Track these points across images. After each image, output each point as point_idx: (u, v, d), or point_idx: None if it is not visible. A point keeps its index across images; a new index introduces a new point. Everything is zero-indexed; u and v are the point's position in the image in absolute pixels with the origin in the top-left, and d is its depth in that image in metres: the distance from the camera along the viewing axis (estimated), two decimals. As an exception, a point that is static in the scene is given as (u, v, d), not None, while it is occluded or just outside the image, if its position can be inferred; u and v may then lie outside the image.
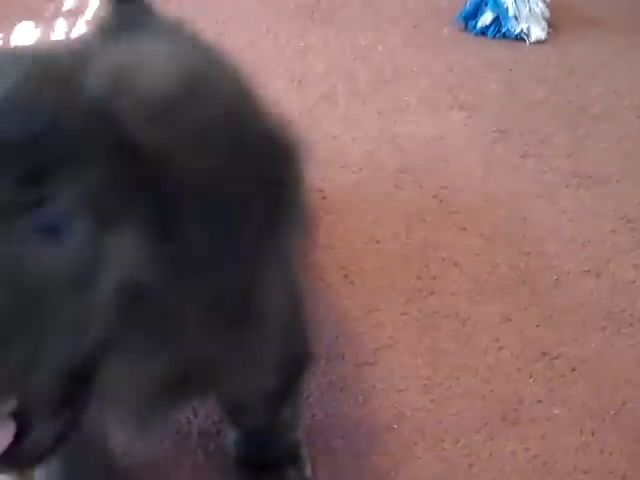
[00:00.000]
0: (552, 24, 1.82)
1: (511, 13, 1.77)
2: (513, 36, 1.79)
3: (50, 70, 0.55)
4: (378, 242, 1.28)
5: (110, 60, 0.56)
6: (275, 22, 1.86)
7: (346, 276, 1.22)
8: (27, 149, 0.50)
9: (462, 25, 1.84)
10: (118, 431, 0.79)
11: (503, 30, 1.79)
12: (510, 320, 1.14)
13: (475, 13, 1.81)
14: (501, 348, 1.10)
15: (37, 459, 0.59)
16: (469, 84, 1.67)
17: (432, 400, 1.04)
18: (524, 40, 1.79)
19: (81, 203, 0.51)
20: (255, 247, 0.59)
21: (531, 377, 1.07)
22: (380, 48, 1.79)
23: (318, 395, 1.03)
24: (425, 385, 1.06)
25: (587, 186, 1.39)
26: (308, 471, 0.95)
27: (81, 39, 0.82)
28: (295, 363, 0.85)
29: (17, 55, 0.58)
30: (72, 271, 0.52)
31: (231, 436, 0.95)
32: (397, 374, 1.07)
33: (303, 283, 0.81)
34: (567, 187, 1.39)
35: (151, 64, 0.57)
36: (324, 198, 1.37)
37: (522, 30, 1.78)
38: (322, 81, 1.61)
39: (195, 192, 0.54)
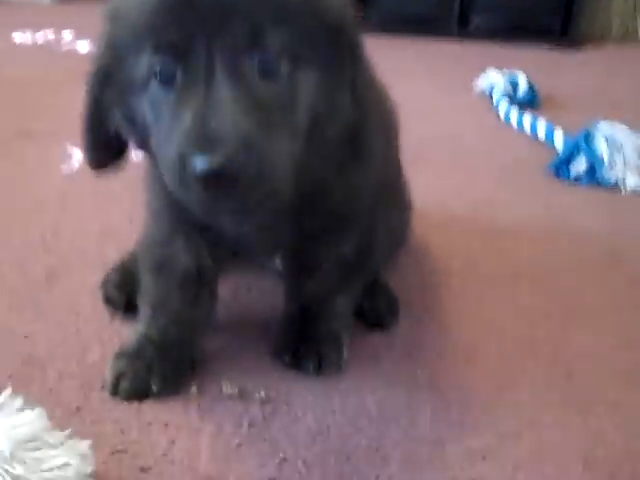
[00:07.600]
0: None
1: (606, 162, 1.76)
2: (609, 184, 1.77)
3: None
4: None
5: None
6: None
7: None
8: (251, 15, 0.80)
9: (553, 173, 1.82)
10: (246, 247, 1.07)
11: (598, 178, 1.77)
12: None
13: (568, 161, 1.80)
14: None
15: None
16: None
17: None
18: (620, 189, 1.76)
19: (284, 53, 0.82)
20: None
21: None
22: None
23: (462, 461, 0.88)
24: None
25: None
26: (346, 354, 1.09)
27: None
28: (370, 247, 1.09)
29: None
30: (282, 98, 0.83)
31: (287, 309, 1.13)
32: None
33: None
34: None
35: None
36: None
37: (617, 179, 1.76)
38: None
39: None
